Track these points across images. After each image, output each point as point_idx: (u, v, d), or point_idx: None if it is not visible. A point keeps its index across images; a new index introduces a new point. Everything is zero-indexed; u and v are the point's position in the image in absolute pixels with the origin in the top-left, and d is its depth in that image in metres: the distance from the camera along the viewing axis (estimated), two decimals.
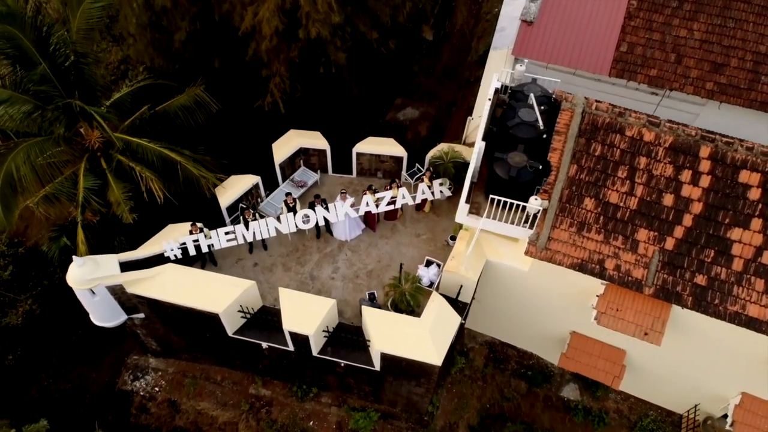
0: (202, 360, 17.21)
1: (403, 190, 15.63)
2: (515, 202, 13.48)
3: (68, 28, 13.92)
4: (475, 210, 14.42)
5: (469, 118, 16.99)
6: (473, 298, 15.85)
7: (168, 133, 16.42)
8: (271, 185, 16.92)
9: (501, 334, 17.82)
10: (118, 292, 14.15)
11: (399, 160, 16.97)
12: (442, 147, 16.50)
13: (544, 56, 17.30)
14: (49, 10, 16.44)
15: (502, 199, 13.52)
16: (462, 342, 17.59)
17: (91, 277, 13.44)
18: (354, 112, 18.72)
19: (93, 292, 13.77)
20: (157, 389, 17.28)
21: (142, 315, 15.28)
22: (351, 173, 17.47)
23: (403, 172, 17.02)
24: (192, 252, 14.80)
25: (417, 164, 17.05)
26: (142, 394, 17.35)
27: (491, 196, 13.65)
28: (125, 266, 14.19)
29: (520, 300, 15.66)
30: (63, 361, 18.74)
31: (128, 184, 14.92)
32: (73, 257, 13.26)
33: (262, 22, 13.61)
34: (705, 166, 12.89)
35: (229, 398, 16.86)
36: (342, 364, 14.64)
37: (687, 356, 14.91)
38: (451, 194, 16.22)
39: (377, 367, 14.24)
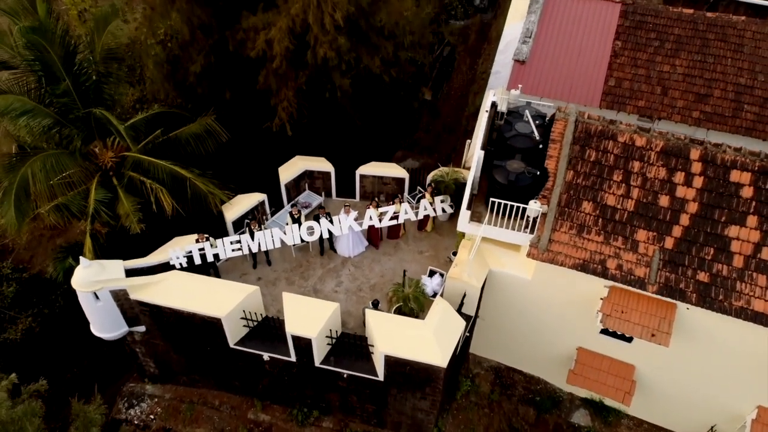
0: (200, 383, 16.62)
1: (406, 206, 15.90)
2: (515, 204, 13.77)
3: (92, 49, 14.88)
4: (476, 218, 14.64)
5: (468, 141, 17.62)
6: (477, 315, 15.68)
7: (178, 158, 16.97)
8: (276, 206, 17.21)
9: (507, 357, 17.32)
10: (121, 298, 14.01)
11: (401, 181, 17.40)
12: (443, 169, 17.01)
13: (537, 91, 18.25)
14: (78, 29, 17.61)
15: (503, 201, 13.81)
16: (467, 367, 17.08)
17: (96, 278, 13.40)
18: (357, 144, 19.40)
19: (97, 297, 13.66)
20: (152, 417, 16.52)
21: (143, 328, 15.01)
22: (354, 197, 17.84)
23: (406, 194, 17.39)
24: (197, 260, 14.82)
25: (419, 187, 17.47)
26: (136, 422, 16.57)
27: (492, 199, 13.95)
28: (130, 273, 14.19)
29: (525, 313, 15.42)
30: (56, 399, 18.07)
31: (138, 198, 15.23)
32: (80, 258, 13.32)
33: (273, 42, 14.57)
34: (697, 167, 13.30)
35: (227, 424, 16.08)
36: (345, 375, 14.20)
37: (697, 367, 14.47)
38: (452, 211, 16.48)
39: (381, 376, 13.81)
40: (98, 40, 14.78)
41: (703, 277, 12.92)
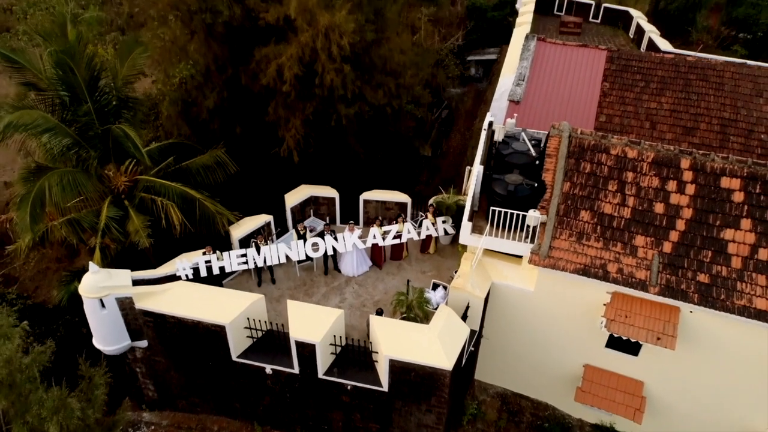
0: (199, 408, 15.91)
1: (408, 225, 16.06)
2: (515, 212, 13.97)
3: (114, 75, 15.70)
4: (477, 230, 14.76)
5: (468, 167, 18.09)
6: (481, 333, 15.35)
7: (188, 185, 17.36)
8: (282, 229, 17.38)
9: (513, 382, 16.68)
10: (126, 308, 13.78)
11: (403, 206, 17.63)
12: (444, 194, 17.36)
13: (531, 126, 18.98)
14: (104, 56, 18.47)
15: (503, 210, 14.04)
16: (473, 393, 16.43)
17: (103, 284, 13.29)
18: (360, 175, 19.85)
19: (103, 305, 13.48)
20: None
21: (144, 343, 14.64)
22: (358, 223, 18.01)
23: (408, 217, 17.60)
24: (203, 272, 14.75)
25: (420, 212, 17.72)
26: None
27: (492, 208, 14.17)
28: (137, 284, 14.11)
29: (529, 329, 15.09)
30: None
31: (148, 216, 15.43)
32: (89, 263, 13.32)
33: (284, 68, 15.42)
34: (688, 176, 13.65)
35: None
36: (348, 387, 13.70)
37: (707, 378, 13.98)
38: (453, 233, 16.61)
39: (385, 386, 13.33)
40: (121, 68, 15.64)
41: (703, 278, 12.90)
